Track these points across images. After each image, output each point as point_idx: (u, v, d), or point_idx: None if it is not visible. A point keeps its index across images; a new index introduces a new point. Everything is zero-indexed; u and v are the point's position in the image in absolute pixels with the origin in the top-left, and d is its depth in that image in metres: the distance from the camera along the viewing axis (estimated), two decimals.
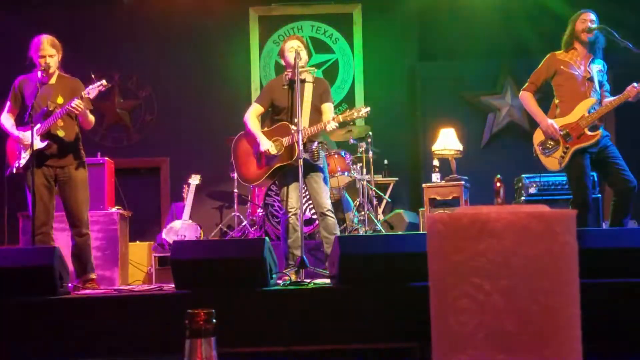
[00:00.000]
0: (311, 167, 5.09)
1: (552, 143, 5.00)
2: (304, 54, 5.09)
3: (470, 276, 0.91)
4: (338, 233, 5.13)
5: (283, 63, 5.28)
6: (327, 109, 5.14)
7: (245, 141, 5.32)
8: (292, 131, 4.99)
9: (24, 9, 8.36)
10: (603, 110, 4.94)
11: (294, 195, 5.06)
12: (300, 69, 4.96)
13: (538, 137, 5.12)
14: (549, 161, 5.04)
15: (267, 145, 5.08)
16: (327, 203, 5.08)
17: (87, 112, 4.99)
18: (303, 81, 5.08)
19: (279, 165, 5.09)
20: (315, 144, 5.07)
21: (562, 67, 5.04)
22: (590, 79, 4.98)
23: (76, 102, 4.82)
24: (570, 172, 5.06)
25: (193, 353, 1.13)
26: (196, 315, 1.13)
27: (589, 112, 4.92)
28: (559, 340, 0.91)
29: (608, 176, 5.02)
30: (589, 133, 4.92)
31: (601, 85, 5.07)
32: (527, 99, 5.19)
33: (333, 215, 5.10)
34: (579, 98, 4.98)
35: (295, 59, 4.97)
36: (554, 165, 5.04)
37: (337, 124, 4.93)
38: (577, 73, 5.00)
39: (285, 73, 5.25)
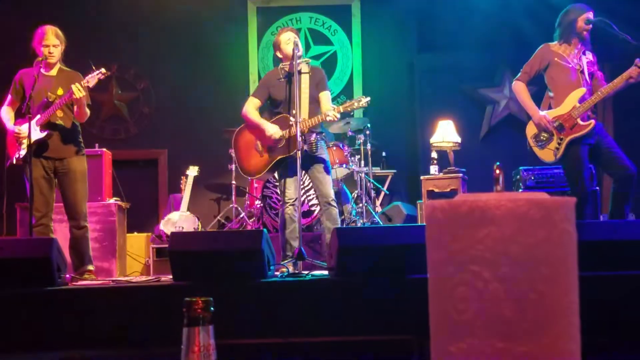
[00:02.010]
0: (313, 159, 5.10)
1: (545, 135, 5.01)
2: (300, 46, 5.09)
3: (469, 264, 0.90)
4: (339, 222, 5.17)
5: (280, 56, 5.26)
6: (325, 98, 5.13)
7: (245, 134, 5.34)
8: (292, 123, 4.99)
9: (22, 1, 8.33)
10: (598, 97, 4.94)
11: (292, 186, 5.08)
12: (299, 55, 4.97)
13: (531, 130, 5.12)
14: (544, 153, 5.04)
15: (272, 129, 5.09)
16: (331, 193, 5.11)
17: (84, 103, 4.98)
18: (299, 72, 5.05)
19: (280, 157, 5.10)
20: (314, 135, 5.08)
21: (556, 58, 5.05)
22: (582, 72, 4.99)
23: (77, 86, 4.82)
24: (566, 164, 5.05)
25: (191, 341, 1.13)
26: (194, 303, 1.13)
27: (579, 102, 4.93)
28: (557, 328, 0.91)
29: (606, 165, 5.02)
30: (582, 123, 4.91)
31: (592, 76, 5.07)
32: (520, 89, 5.15)
33: (336, 205, 5.13)
34: (572, 90, 4.98)
35: (293, 50, 4.96)
36: (549, 157, 5.03)
37: (338, 114, 4.91)
38: (570, 65, 5.01)
39: (282, 66, 5.23)
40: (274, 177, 6.68)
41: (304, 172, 5.22)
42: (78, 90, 4.82)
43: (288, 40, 5.10)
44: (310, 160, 5.10)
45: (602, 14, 5.13)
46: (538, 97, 5.27)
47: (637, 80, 4.81)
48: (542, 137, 5.01)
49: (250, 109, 5.25)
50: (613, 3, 6.95)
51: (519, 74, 5.21)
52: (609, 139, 5.02)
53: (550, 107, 5.10)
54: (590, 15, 5.04)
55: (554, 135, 4.98)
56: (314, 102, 5.11)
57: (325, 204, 5.12)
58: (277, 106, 5.21)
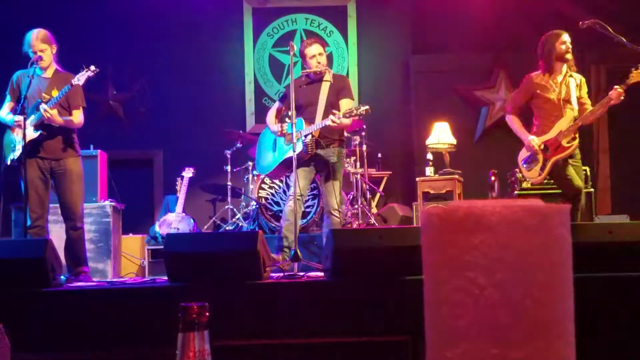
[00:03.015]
0: (325, 167, 5.30)
1: (534, 158, 5.25)
2: (323, 59, 5.39)
3: (465, 270, 0.91)
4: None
5: (304, 66, 5.50)
6: (343, 104, 5.32)
7: (266, 135, 5.66)
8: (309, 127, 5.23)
9: (18, 1, 8.30)
10: (581, 121, 5.13)
11: (301, 183, 5.22)
12: (321, 69, 5.35)
13: (522, 154, 5.36)
14: (531, 173, 5.32)
15: (275, 128, 5.39)
16: (335, 203, 5.26)
17: (62, 119, 4.98)
18: (321, 80, 5.39)
19: (285, 157, 5.25)
20: (309, 136, 5.15)
21: (538, 90, 5.24)
22: (567, 100, 5.13)
23: (46, 109, 4.83)
24: (555, 178, 5.33)
25: (186, 346, 1.13)
26: (189, 308, 1.13)
27: (566, 128, 5.12)
28: (552, 334, 0.91)
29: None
30: (566, 145, 5.13)
31: (580, 102, 5.21)
32: (512, 121, 5.43)
33: (339, 215, 5.27)
34: (555, 119, 5.17)
35: (290, 61, 5.14)
36: (534, 176, 5.29)
37: (337, 120, 5.01)
38: (553, 97, 5.18)
39: (303, 72, 5.47)
40: (270, 178, 6.74)
41: (316, 174, 5.46)
42: (45, 112, 4.84)
43: (312, 57, 5.36)
44: (324, 166, 5.30)
45: (598, 17, 5.14)
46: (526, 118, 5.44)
47: (617, 102, 4.97)
48: (530, 159, 5.28)
49: (270, 113, 5.61)
50: (609, 5, 6.97)
51: (509, 107, 5.48)
52: (579, 170, 5.29)
53: (535, 133, 5.30)
54: (565, 37, 5.17)
55: (540, 157, 5.20)
56: (332, 109, 5.25)
57: (327, 213, 5.31)
58: (297, 110, 5.38)
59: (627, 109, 6.38)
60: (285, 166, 5.38)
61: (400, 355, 3.50)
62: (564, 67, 5.20)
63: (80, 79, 4.95)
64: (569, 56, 5.16)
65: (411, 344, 3.46)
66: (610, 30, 5.03)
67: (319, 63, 5.35)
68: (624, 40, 5.02)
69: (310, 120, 5.26)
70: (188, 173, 7.46)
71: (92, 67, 4.99)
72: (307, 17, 8.74)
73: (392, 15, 8.66)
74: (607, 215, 7.20)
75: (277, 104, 5.66)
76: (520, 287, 0.88)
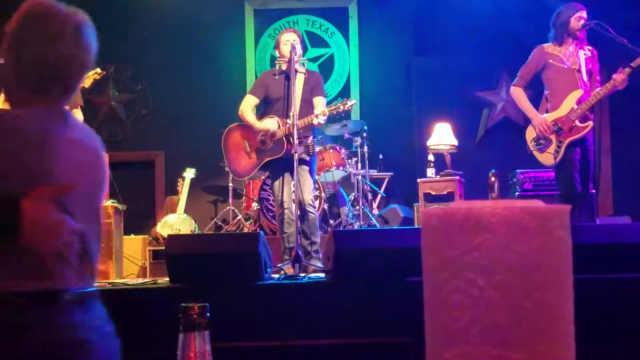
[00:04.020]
0: (299, 161, 5.06)
1: (545, 138, 4.99)
2: (298, 48, 5.13)
3: (464, 271, 0.91)
4: (317, 228, 5.20)
5: (277, 55, 5.29)
6: (319, 102, 5.14)
7: (236, 134, 5.35)
8: (284, 124, 5.02)
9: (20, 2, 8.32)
10: (592, 101, 4.94)
11: (286, 189, 5.09)
12: (291, 57, 5.01)
13: (530, 133, 5.10)
14: (544, 157, 5.03)
15: (272, 126, 5.06)
16: (310, 198, 5.12)
17: None
18: (295, 72, 5.08)
19: (269, 159, 5.11)
20: (311, 138, 5.10)
21: (551, 60, 5.03)
22: (579, 70, 4.98)
23: None
24: (562, 167, 5.01)
25: (187, 347, 1.13)
26: (190, 309, 1.13)
27: (577, 104, 4.92)
28: (552, 336, 0.91)
29: None
30: (580, 125, 4.92)
31: (590, 73, 5.06)
32: (518, 94, 5.16)
33: (314, 211, 5.15)
34: (568, 91, 4.97)
35: (290, 52, 4.99)
36: (548, 160, 5.01)
37: (324, 118, 4.91)
38: (566, 66, 5.00)
39: (277, 62, 5.27)
40: (269, 178, 6.71)
41: (287, 173, 5.21)
42: None
43: (286, 42, 5.14)
44: (298, 162, 5.05)
45: (599, 18, 5.13)
46: (535, 101, 5.28)
47: (622, 87, 4.83)
48: (541, 141, 5.01)
49: (247, 108, 5.24)
50: (611, 7, 6.97)
51: (516, 79, 5.21)
52: (592, 154, 5.07)
53: (547, 110, 5.11)
54: (584, 14, 5.01)
55: (553, 139, 4.97)
56: (306, 105, 5.13)
57: (303, 209, 5.11)
58: (270, 104, 5.22)
59: (629, 110, 6.38)
60: (263, 169, 5.27)
61: (401, 356, 3.50)
62: (574, 42, 5.03)
63: (85, 81, 4.96)
64: (580, 33, 4.99)
65: (412, 345, 3.46)
66: (611, 30, 5.01)
67: (292, 50, 5.02)
68: (625, 40, 5.00)
69: (283, 114, 5.06)
70: (189, 174, 7.48)
71: (98, 70, 5.01)
72: (308, 19, 8.74)
73: (393, 17, 8.67)
74: (609, 217, 7.19)
75: (250, 97, 5.29)
76: (520, 288, 0.88)
